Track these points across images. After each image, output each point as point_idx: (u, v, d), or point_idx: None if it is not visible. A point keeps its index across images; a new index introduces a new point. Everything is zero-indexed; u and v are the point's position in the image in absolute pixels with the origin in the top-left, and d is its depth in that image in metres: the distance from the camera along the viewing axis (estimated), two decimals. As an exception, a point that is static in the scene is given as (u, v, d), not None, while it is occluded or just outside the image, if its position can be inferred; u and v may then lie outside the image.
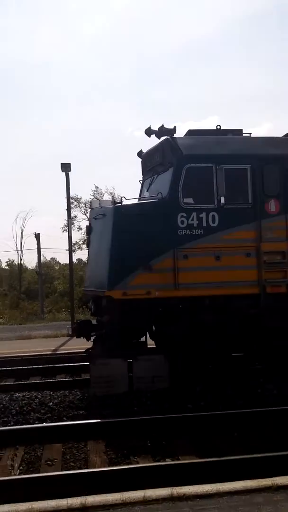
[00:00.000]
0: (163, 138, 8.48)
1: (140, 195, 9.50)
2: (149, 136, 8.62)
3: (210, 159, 8.13)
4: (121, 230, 8.00)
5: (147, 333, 8.67)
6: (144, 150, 9.41)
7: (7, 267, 44.59)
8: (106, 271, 8.06)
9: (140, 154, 9.60)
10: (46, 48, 73.62)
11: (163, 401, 7.06)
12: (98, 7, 77.50)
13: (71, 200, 21.02)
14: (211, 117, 59.90)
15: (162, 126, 8.33)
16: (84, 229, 28.93)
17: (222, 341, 8.07)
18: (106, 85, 72.60)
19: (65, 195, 16.24)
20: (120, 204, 8.26)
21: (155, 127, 8.49)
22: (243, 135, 9.00)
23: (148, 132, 8.61)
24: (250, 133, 9.07)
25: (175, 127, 8.29)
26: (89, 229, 9.07)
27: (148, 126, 8.58)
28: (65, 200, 16.47)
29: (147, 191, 9.18)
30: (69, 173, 15.71)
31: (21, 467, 5.21)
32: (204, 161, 8.14)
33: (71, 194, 20.16)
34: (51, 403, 7.18)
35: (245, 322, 8.14)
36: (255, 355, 8.52)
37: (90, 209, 8.93)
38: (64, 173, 15.68)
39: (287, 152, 8.45)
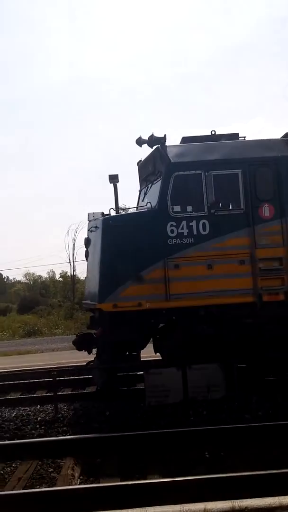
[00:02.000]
0: (155, 147, 8.39)
1: (137, 205, 9.45)
2: (140, 146, 8.51)
3: (198, 166, 7.96)
4: (110, 242, 7.97)
5: (152, 345, 8.50)
6: None
7: (61, 279, 45.79)
8: (97, 283, 8.02)
9: (138, 163, 9.56)
10: (92, 64, 75.85)
11: (219, 411, 6.94)
12: (138, 22, 78.79)
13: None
14: (255, 118, 58.83)
15: (152, 135, 8.24)
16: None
17: (220, 353, 7.81)
18: (151, 95, 73.41)
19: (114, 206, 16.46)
20: (108, 216, 8.26)
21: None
22: (239, 139, 8.72)
23: (139, 141, 8.48)
24: (244, 137, 8.78)
25: (165, 135, 8.19)
26: (87, 242, 8.95)
27: (139, 136, 8.43)
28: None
29: (142, 201, 9.13)
30: (117, 184, 15.87)
31: (81, 477, 5.30)
32: (192, 168, 7.98)
33: (120, 205, 20.40)
34: (107, 412, 7.24)
35: (243, 333, 7.86)
36: (259, 367, 8.17)
37: (88, 222, 8.91)
38: (112, 184, 15.87)
39: (280, 154, 8.12)
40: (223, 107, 71.61)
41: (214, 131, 8.60)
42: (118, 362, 8.04)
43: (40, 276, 57.06)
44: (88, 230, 8.89)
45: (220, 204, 7.95)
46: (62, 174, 72.43)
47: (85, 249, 9.00)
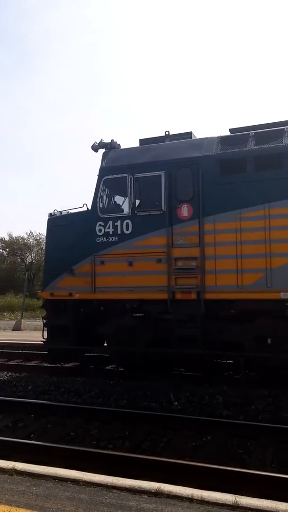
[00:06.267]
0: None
1: None
2: (96, 151, 9.23)
3: (126, 170, 8.55)
4: (50, 238, 9.40)
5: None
6: None
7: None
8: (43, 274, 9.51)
9: None
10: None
11: None
12: None
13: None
14: None
15: (101, 140, 9.11)
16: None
17: (142, 344, 8.51)
18: None
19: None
20: (51, 216, 9.50)
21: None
22: (192, 138, 8.78)
23: (94, 147, 9.20)
24: (191, 136, 8.82)
25: (112, 140, 9.08)
26: None
27: (93, 143, 9.17)
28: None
29: None
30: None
31: (273, 465, 4.94)
32: (120, 172, 8.60)
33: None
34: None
35: (162, 328, 8.30)
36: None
37: None
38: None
39: (203, 154, 8.09)
40: None
41: (168, 131, 8.88)
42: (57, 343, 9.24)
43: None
44: None
45: (142, 205, 8.36)
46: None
47: None
